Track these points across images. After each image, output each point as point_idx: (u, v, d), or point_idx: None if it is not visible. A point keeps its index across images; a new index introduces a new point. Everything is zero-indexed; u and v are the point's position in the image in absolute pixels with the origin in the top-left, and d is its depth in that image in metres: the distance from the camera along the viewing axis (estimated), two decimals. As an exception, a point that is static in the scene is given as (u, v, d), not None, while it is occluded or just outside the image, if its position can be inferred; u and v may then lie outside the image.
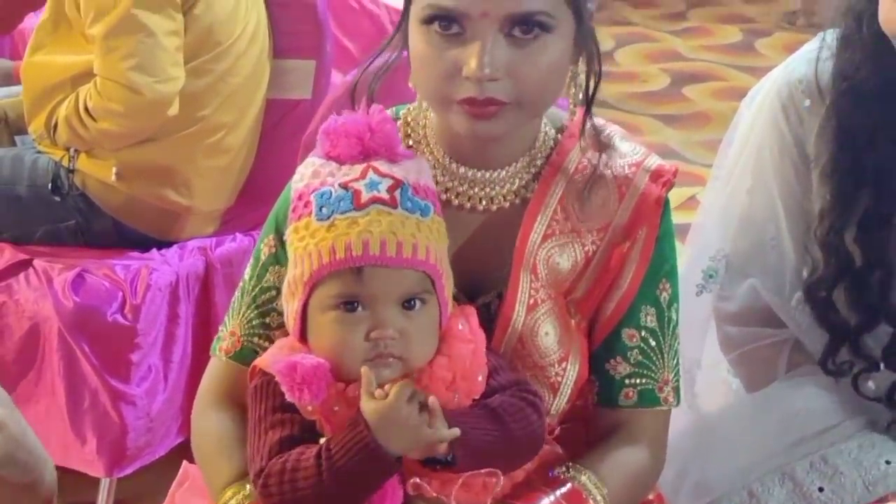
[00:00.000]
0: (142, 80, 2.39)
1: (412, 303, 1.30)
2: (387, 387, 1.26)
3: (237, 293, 1.49)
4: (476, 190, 1.43)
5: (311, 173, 1.34)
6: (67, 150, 2.53)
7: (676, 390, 1.46)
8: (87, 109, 2.44)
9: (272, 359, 1.32)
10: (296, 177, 1.37)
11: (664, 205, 1.43)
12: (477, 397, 1.33)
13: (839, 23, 1.63)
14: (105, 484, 2.48)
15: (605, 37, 5.24)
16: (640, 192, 1.42)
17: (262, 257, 1.46)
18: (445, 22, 1.31)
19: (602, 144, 1.44)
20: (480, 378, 1.33)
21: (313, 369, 1.27)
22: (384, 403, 1.25)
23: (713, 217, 1.78)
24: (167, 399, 2.48)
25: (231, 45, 2.54)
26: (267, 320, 1.45)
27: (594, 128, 1.44)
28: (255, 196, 2.59)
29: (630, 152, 1.45)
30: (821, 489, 1.59)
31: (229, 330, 1.47)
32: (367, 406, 1.25)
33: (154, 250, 2.55)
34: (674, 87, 4.79)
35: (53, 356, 2.41)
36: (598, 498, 1.37)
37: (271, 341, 1.43)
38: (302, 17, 2.68)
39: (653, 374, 1.44)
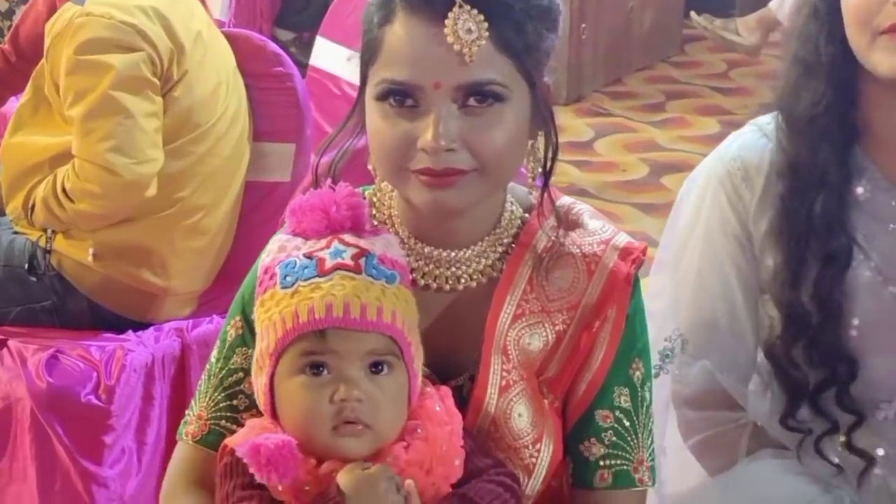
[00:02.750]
0: (119, 162, 2.39)
1: (379, 367, 1.30)
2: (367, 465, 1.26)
3: (204, 376, 1.48)
4: (442, 270, 1.42)
5: (277, 248, 1.35)
6: (44, 230, 2.53)
7: (652, 470, 1.45)
8: (64, 190, 2.45)
9: (241, 439, 1.31)
10: (263, 254, 1.38)
11: (634, 283, 1.43)
12: (454, 482, 1.32)
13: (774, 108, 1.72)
14: (76, 569, 2.44)
15: (585, 127, 5.29)
16: (608, 269, 1.41)
17: (229, 339, 1.45)
18: (399, 96, 1.32)
19: (570, 223, 1.44)
20: (458, 462, 1.32)
21: (278, 449, 1.26)
22: (363, 475, 1.25)
23: (663, 300, 1.80)
24: (141, 482, 2.45)
25: (211, 126, 2.55)
26: (234, 402, 1.44)
27: (558, 206, 1.44)
28: (233, 278, 2.54)
29: (599, 230, 1.44)
30: None
31: (196, 413, 1.46)
32: (346, 477, 1.25)
33: (130, 332, 2.53)
34: (652, 177, 4.83)
35: (25, 437, 2.38)
36: None
37: (239, 424, 1.42)
38: (282, 100, 2.70)
39: (627, 455, 1.43)
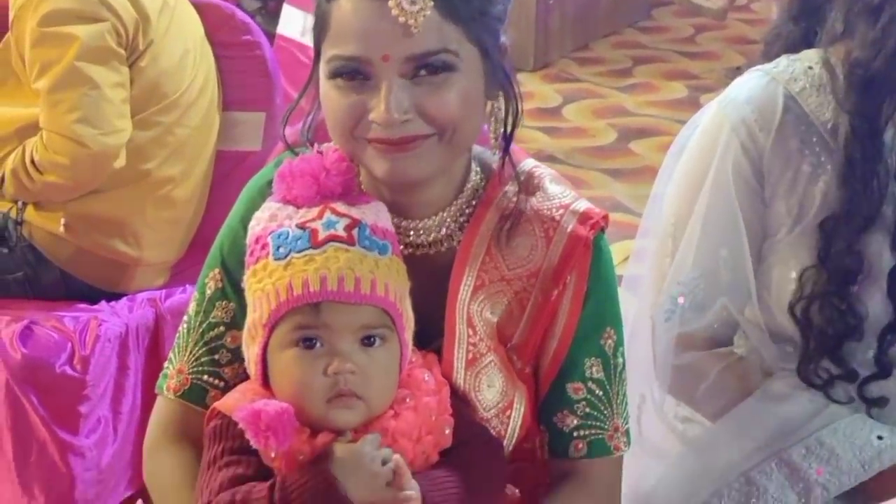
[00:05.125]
0: (87, 133, 2.39)
1: (371, 339, 1.30)
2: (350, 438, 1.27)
3: (181, 329, 1.46)
4: (402, 237, 1.40)
5: (267, 217, 1.34)
6: (15, 202, 2.52)
7: (627, 434, 1.46)
8: (33, 162, 2.44)
9: (234, 404, 1.30)
10: (252, 222, 1.36)
11: (594, 249, 1.41)
12: (443, 449, 1.33)
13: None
14: (54, 539, 2.45)
15: (553, 93, 5.30)
16: (567, 234, 1.39)
17: (209, 292, 1.44)
18: (350, 73, 1.31)
19: (531, 187, 1.42)
20: (447, 431, 1.33)
21: (278, 415, 1.25)
22: (349, 448, 1.26)
23: (649, 262, 1.80)
24: (117, 451, 2.46)
25: (179, 96, 2.54)
26: (216, 357, 1.43)
27: (519, 170, 1.42)
28: (205, 248, 2.55)
29: (559, 194, 1.43)
30: (818, 471, 1.62)
31: (176, 368, 1.44)
32: (338, 447, 1.26)
33: (103, 302, 2.53)
34: (621, 142, 4.85)
35: (1, 408, 2.38)
36: None
37: (221, 378, 1.42)
38: (252, 69, 2.69)
39: (602, 425, 1.43)
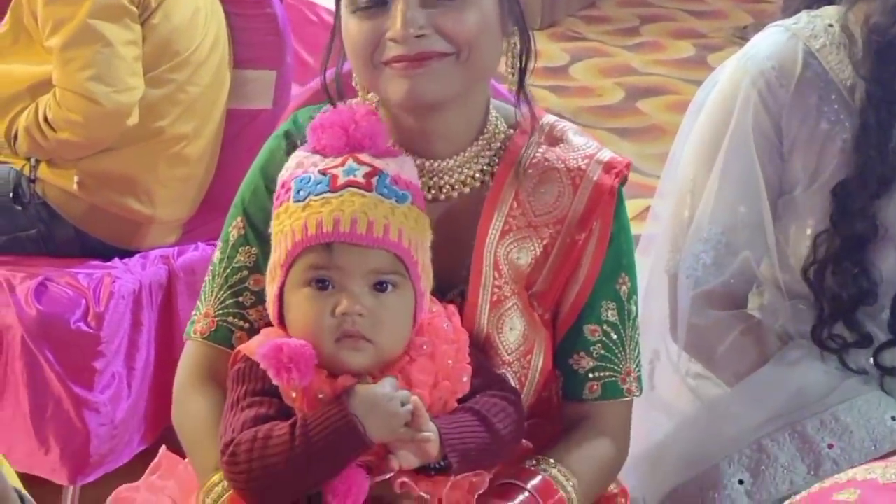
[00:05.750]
0: (100, 90, 2.40)
1: (383, 285, 1.32)
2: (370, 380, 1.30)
3: (207, 277, 1.49)
4: (425, 179, 1.44)
5: (294, 164, 1.38)
6: (28, 159, 2.54)
7: (639, 380, 1.49)
8: (46, 120, 2.45)
9: (257, 345, 1.33)
10: (282, 170, 1.40)
11: (618, 197, 1.44)
12: (460, 397, 1.35)
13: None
14: (69, 492, 2.48)
15: (560, 52, 5.30)
16: (593, 183, 1.43)
17: (231, 239, 1.47)
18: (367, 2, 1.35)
19: (554, 138, 1.46)
20: (465, 378, 1.35)
21: (299, 349, 1.28)
22: (371, 386, 1.28)
23: (664, 223, 1.82)
24: (131, 406, 2.49)
25: (190, 54, 2.55)
26: (240, 299, 1.46)
27: (543, 122, 1.45)
28: (217, 205, 2.54)
29: (583, 145, 1.46)
30: (830, 446, 1.64)
31: (203, 312, 1.47)
32: (358, 387, 1.29)
33: (116, 259, 2.55)
34: (628, 101, 4.85)
35: (17, 364, 2.40)
36: (569, 489, 1.39)
37: (246, 320, 1.45)
38: (262, 27, 2.69)
39: (616, 367, 1.46)
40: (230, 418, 1.32)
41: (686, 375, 1.82)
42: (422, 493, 1.29)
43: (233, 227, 1.48)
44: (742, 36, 5.50)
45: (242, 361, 1.36)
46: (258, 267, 1.44)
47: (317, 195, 1.32)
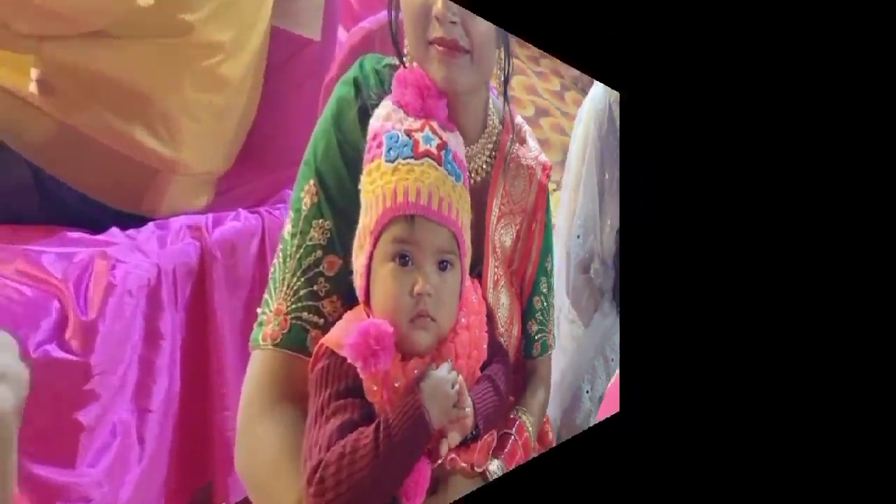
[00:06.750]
0: None
1: (444, 264, 1.38)
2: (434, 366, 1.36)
3: (277, 259, 1.41)
4: None
5: (384, 115, 1.42)
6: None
7: (554, 335, 1.68)
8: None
9: (341, 334, 1.32)
10: (371, 118, 1.42)
11: (548, 192, 1.65)
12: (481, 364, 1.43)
13: None
14: None
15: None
16: (537, 181, 1.61)
17: (304, 209, 1.43)
18: None
19: (522, 138, 1.61)
20: (484, 346, 1.43)
21: (383, 328, 1.30)
22: (437, 373, 1.33)
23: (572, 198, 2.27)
24: (144, 473, 1.46)
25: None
26: (314, 288, 1.40)
27: (517, 123, 1.59)
28: (260, 159, 1.92)
29: (535, 148, 1.64)
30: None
31: (273, 308, 1.40)
32: (431, 373, 1.32)
33: (115, 230, 1.59)
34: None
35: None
36: (531, 429, 1.54)
37: (320, 314, 1.40)
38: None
39: (546, 328, 1.65)
40: (315, 433, 1.30)
41: (565, 319, 2.24)
42: (464, 465, 1.35)
43: (304, 192, 1.43)
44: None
45: (326, 357, 1.33)
46: (332, 245, 1.41)
47: (404, 159, 1.37)
